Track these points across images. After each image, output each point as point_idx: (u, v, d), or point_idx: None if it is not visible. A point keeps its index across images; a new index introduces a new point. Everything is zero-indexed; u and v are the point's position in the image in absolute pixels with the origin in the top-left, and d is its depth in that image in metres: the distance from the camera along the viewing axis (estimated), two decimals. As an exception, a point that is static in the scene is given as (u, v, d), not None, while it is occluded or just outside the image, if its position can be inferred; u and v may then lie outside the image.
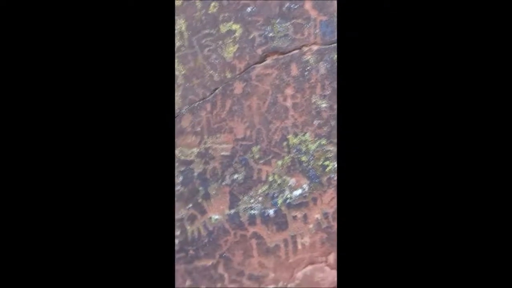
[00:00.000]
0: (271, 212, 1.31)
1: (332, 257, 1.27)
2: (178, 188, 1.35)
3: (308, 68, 1.31)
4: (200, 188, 1.34)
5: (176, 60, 1.36)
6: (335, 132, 1.28)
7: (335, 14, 1.29)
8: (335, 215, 1.26)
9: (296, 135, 1.31)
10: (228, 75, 1.35)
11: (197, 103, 1.36)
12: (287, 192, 1.31)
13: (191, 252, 1.33)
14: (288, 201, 1.31)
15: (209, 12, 1.35)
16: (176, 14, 1.36)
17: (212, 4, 1.35)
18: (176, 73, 1.36)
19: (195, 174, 1.35)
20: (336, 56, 1.28)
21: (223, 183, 1.34)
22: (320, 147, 1.29)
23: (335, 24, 1.29)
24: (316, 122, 1.30)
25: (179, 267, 1.33)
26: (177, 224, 1.34)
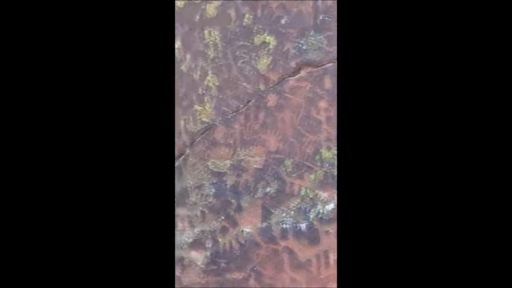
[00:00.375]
0: (303, 226, 1.30)
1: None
2: (210, 200, 1.34)
3: (342, 81, 1.29)
4: (233, 201, 1.34)
5: (210, 72, 1.36)
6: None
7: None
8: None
9: (329, 148, 1.30)
10: (262, 87, 1.34)
11: (230, 115, 1.35)
12: (319, 206, 1.30)
13: (222, 264, 1.33)
14: (320, 215, 1.29)
15: (243, 23, 1.35)
16: (210, 25, 1.36)
17: (247, 15, 1.34)
18: (210, 84, 1.36)
19: (228, 186, 1.34)
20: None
21: (255, 196, 1.33)
22: (354, 161, 1.27)
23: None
24: (350, 136, 1.28)
25: (210, 279, 1.33)
26: (208, 236, 1.34)
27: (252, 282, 1.32)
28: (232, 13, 1.35)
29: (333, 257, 1.28)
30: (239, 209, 1.34)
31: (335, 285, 1.27)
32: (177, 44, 1.37)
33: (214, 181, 1.35)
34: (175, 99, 1.35)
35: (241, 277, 1.32)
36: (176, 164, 1.35)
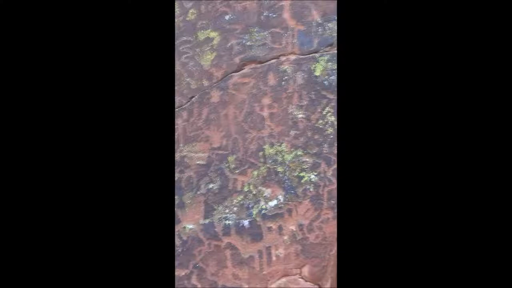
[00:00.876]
0: (246, 222, 1.30)
1: (307, 269, 1.26)
2: (152, 196, 1.33)
3: (285, 78, 1.30)
4: (175, 197, 1.33)
5: (153, 67, 1.34)
6: (312, 143, 1.27)
7: (313, 23, 1.28)
8: (311, 227, 1.24)
9: (272, 145, 1.30)
10: (205, 83, 1.33)
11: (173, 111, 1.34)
12: (262, 202, 1.30)
13: (164, 261, 1.32)
14: (263, 211, 1.29)
15: (187, 19, 1.34)
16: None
17: (190, 11, 1.34)
18: (153, 80, 1.34)
19: (170, 182, 1.33)
20: (314, 66, 1.28)
21: (198, 192, 1.33)
22: (296, 157, 1.28)
23: (313, 34, 1.28)
24: (292, 133, 1.28)
25: (152, 277, 1.32)
26: (150, 233, 1.33)
27: (194, 278, 1.31)
28: (176, 8, 1.34)
29: (275, 253, 1.28)
30: (181, 205, 1.33)
31: (278, 281, 1.28)
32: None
33: (157, 178, 1.33)
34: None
35: (183, 273, 1.31)
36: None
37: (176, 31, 1.34)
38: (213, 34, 1.34)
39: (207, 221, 1.32)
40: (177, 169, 1.33)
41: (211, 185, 1.32)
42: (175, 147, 1.34)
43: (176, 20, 1.34)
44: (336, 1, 1.27)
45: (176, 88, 1.34)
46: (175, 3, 1.35)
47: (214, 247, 1.30)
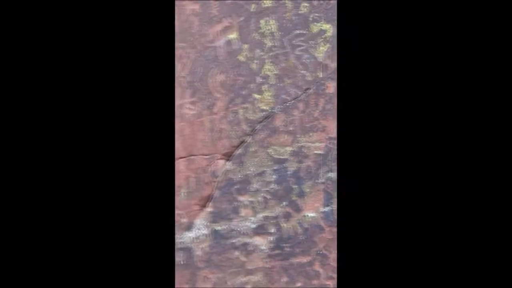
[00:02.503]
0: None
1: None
2: (272, 186, 1.37)
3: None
4: (295, 186, 1.37)
5: (267, 61, 1.38)
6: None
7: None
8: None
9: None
10: (320, 75, 1.36)
11: (289, 103, 1.37)
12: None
13: (287, 249, 1.36)
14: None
15: (300, 12, 1.37)
16: (266, 15, 1.38)
17: (302, 4, 1.36)
18: (268, 73, 1.38)
19: (289, 172, 1.37)
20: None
21: (317, 181, 1.36)
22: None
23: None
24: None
25: (275, 264, 1.36)
26: (272, 221, 1.37)
27: (317, 265, 1.35)
28: (288, 2, 1.37)
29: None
30: (301, 194, 1.36)
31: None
32: (233, 35, 1.39)
33: (276, 168, 1.37)
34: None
35: (306, 260, 1.35)
36: (237, 152, 1.38)
37: (289, 25, 1.37)
38: (326, 26, 1.36)
39: (327, 208, 1.35)
40: (295, 159, 1.37)
41: (329, 174, 1.35)
42: (293, 138, 1.37)
43: (288, 14, 1.37)
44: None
45: (291, 80, 1.37)
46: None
47: (335, 234, 1.34)
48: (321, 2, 1.36)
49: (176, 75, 1.36)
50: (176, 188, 1.38)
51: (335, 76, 1.35)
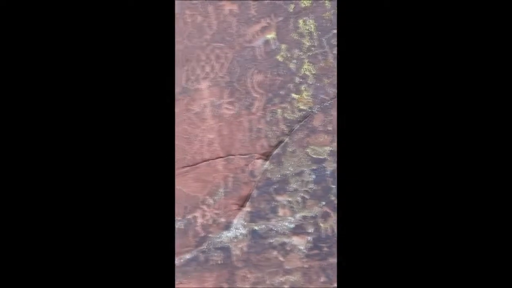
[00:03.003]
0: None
1: None
2: (311, 186, 1.37)
3: None
4: (333, 186, 1.36)
5: (306, 60, 1.38)
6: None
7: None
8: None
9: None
10: (359, 75, 1.36)
11: (328, 102, 1.37)
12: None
13: (325, 249, 1.36)
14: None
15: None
16: (305, 15, 1.38)
17: (341, 4, 1.36)
18: (307, 73, 1.38)
19: (328, 172, 1.37)
20: None
21: (356, 181, 1.36)
22: None
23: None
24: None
25: (313, 263, 1.36)
26: (310, 221, 1.37)
27: (356, 265, 1.34)
28: (327, 2, 1.37)
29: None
30: (340, 194, 1.36)
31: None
32: (272, 35, 1.39)
33: (314, 168, 1.37)
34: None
35: (345, 260, 1.35)
36: (275, 152, 1.38)
37: (328, 25, 1.37)
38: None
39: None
40: (333, 159, 1.36)
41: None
42: (331, 138, 1.37)
43: (327, 13, 1.37)
44: None
45: (329, 80, 1.37)
46: None
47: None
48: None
49: (204, 76, 1.37)
50: (214, 188, 1.39)
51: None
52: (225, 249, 1.38)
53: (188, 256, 1.39)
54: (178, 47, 1.38)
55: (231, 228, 1.38)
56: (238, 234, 1.38)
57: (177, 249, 1.36)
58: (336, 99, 1.36)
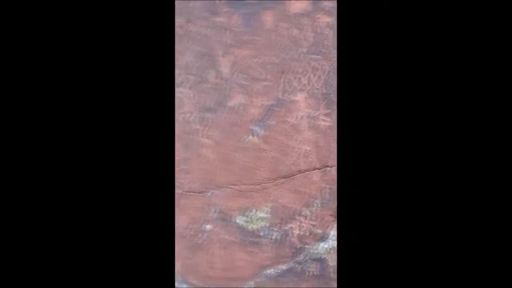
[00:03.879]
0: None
1: None
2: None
3: None
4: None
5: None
6: None
7: None
8: None
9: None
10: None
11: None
12: None
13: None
14: None
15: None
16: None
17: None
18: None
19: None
20: None
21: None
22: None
23: None
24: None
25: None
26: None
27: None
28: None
29: None
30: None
31: None
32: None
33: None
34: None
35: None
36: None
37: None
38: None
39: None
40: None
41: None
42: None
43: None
44: None
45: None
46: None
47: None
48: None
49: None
50: (311, 199, 1.39)
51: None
52: (322, 260, 1.38)
53: (284, 267, 1.40)
54: (272, 59, 1.39)
55: (327, 240, 1.39)
56: (334, 245, 1.38)
57: (272, 260, 1.37)
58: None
